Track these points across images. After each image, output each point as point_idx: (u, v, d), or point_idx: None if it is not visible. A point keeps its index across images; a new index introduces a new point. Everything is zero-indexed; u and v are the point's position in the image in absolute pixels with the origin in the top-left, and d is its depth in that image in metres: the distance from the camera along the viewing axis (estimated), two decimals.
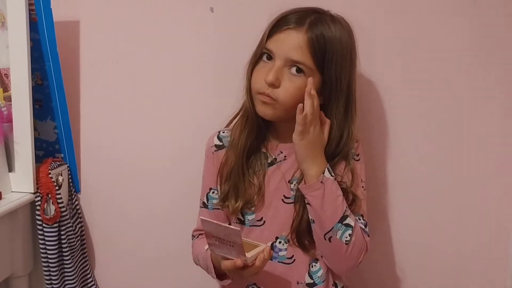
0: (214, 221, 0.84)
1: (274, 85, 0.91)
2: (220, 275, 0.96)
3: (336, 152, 0.96)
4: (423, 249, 1.19)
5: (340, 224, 0.90)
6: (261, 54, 0.95)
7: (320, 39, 0.89)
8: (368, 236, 0.96)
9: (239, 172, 1.00)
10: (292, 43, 0.90)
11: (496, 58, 1.09)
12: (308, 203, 0.92)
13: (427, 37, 1.10)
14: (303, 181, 0.93)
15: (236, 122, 1.04)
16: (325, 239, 0.91)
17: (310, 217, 0.93)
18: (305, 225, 0.96)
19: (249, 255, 0.85)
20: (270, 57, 0.93)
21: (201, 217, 0.87)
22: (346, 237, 0.91)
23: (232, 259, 0.86)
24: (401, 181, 1.17)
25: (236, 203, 1.00)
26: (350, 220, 0.91)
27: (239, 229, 0.82)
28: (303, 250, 0.98)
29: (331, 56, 0.90)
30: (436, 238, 1.18)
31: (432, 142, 1.14)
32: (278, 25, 0.92)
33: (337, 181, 0.93)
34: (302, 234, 0.97)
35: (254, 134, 1.01)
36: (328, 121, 0.94)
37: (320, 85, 0.92)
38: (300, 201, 0.97)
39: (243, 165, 1.00)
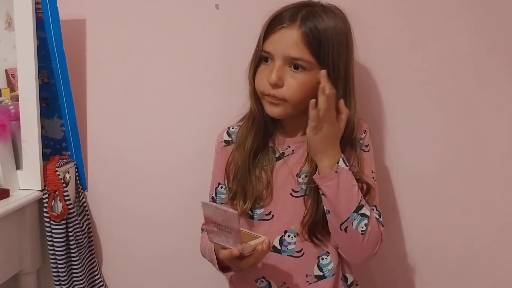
0: (213, 204, 0.85)
1: (278, 85, 0.92)
2: (224, 267, 0.97)
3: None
4: (431, 245, 1.20)
5: (355, 214, 0.90)
6: (260, 57, 0.96)
7: (314, 31, 0.90)
8: (383, 226, 0.97)
9: (246, 173, 1.01)
10: (288, 41, 0.91)
11: (501, 50, 1.09)
12: (322, 194, 0.92)
13: (429, 29, 1.11)
14: (317, 171, 0.93)
15: (243, 124, 1.05)
16: (341, 230, 0.91)
17: (325, 208, 0.94)
18: (316, 220, 0.97)
19: (246, 245, 0.86)
20: (269, 59, 0.95)
21: (201, 200, 0.87)
22: (362, 227, 0.91)
23: (229, 248, 0.86)
24: (407, 177, 1.18)
25: (244, 205, 1.01)
26: (365, 210, 0.91)
27: (236, 212, 0.82)
28: (314, 244, 0.99)
29: (328, 46, 0.91)
30: (443, 234, 1.19)
31: (438, 138, 1.15)
32: (272, 25, 0.93)
33: (352, 172, 0.93)
34: (314, 228, 0.98)
35: (261, 135, 1.02)
36: (346, 112, 0.93)
37: None
38: (313, 194, 0.97)
39: (249, 166, 1.01)
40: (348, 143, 0.97)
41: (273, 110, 0.96)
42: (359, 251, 0.94)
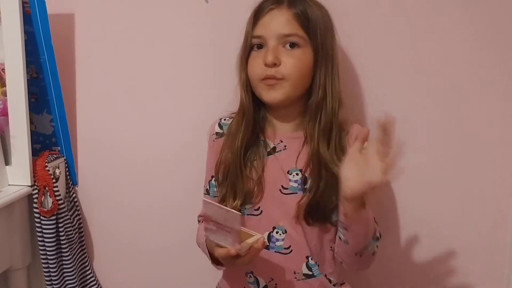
0: (216, 203, 0.84)
1: (276, 64, 0.93)
2: (217, 260, 0.96)
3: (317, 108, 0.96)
4: (423, 238, 1.20)
5: (372, 240, 0.92)
6: (252, 45, 0.97)
7: (302, 9, 0.93)
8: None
9: (236, 170, 1.00)
10: (279, 20, 0.93)
11: (496, 43, 1.09)
12: (345, 228, 0.90)
13: (422, 22, 1.10)
14: (345, 213, 0.87)
15: (234, 118, 1.04)
16: (356, 255, 0.93)
17: (342, 238, 0.92)
18: (314, 202, 0.95)
19: (243, 244, 0.85)
20: (260, 46, 0.95)
21: (204, 198, 0.87)
22: (374, 249, 0.94)
23: (226, 248, 0.86)
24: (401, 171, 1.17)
25: (234, 202, 1.00)
26: (377, 232, 0.94)
27: (239, 213, 0.81)
28: (307, 224, 0.97)
29: (315, 23, 0.93)
30: (436, 227, 1.19)
31: (431, 132, 1.14)
32: (259, 11, 0.95)
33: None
34: (310, 211, 0.96)
35: (250, 129, 1.00)
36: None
37: (313, 55, 0.94)
38: (314, 176, 0.96)
39: (240, 163, 1.00)
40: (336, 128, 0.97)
41: (272, 95, 0.95)
42: (364, 265, 0.97)
